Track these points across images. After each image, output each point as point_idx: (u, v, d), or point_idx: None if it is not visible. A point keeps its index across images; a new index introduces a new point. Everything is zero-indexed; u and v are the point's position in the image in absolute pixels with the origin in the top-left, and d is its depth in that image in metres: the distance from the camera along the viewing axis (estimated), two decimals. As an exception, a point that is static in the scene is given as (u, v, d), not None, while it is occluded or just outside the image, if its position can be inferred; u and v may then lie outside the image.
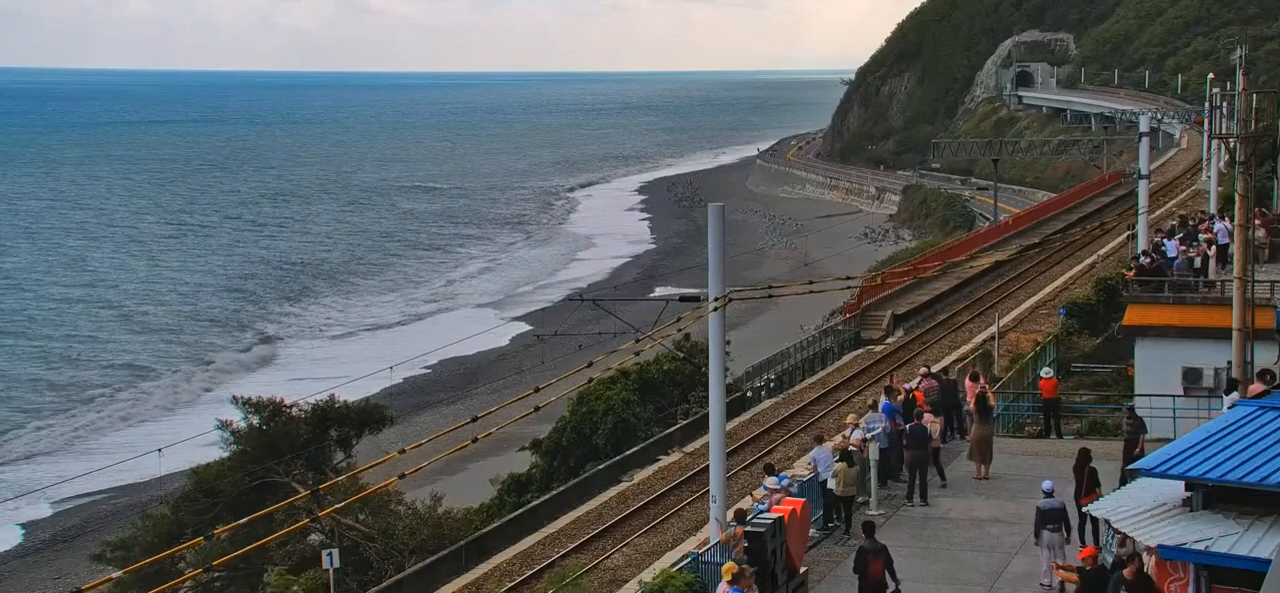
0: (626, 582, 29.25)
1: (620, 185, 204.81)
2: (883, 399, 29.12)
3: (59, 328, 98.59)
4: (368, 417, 41.03)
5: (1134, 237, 51.67)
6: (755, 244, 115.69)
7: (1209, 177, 65.70)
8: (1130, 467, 18.03)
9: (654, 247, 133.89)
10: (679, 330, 33.46)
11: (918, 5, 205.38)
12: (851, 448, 26.24)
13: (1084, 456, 24.02)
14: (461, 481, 50.00)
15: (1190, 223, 43.88)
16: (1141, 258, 39.51)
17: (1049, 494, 21.96)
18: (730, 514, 22.11)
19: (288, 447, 38.21)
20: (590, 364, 31.43)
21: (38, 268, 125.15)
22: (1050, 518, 21.72)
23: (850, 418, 29.35)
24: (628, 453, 41.12)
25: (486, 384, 73.30)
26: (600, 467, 40.43)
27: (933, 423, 27.71)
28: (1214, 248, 37.92)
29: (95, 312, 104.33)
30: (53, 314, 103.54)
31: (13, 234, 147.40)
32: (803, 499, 23.06)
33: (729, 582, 18.27)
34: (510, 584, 31.23)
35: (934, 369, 34.15)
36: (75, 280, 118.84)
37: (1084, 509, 22.31)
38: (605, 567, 31.92)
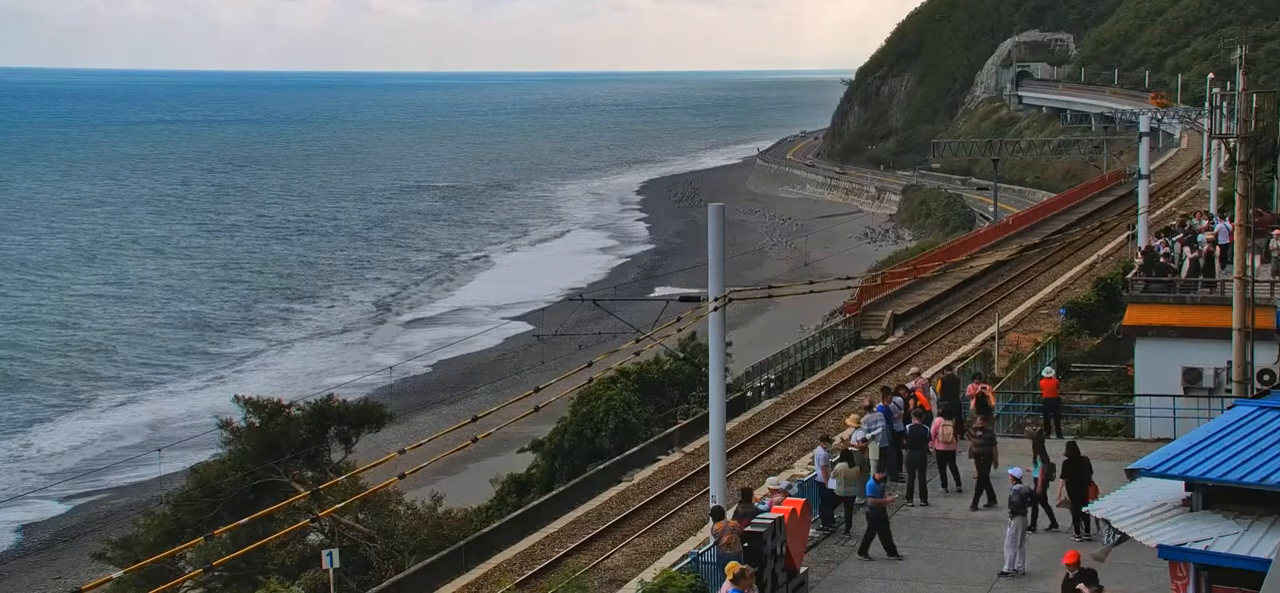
0: (627, 582, 29.25)
1: (629, 183, 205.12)
2: (878, 403, 29.05)
3: (64, 326, 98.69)
4: (366, 415, 41.04)
5: (1134, 236, 51.74)
6: (755, 244, 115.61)
7: (1209, 177, 65.74)
8: (1130, 467, 17.97)
9: (654, 247, 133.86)
10: (678, 330, 33.46)
11: (918, 5, 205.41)
12: (851, 448, 26.24)
13: (1073, 451, 24.24)
14: (461, 480, 50.00)
15: (1188, 223, 43.93)
16: (1145, 254, 39.63)
17: (1017, 480, 22.89)
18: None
19: (287, 447, 38.21)
20: (590, 364, 31.42)
21: (47, 267, 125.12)
22: (1023, 504, 22.74)
23: (851, 419, 29.31)
24: (628, 453, 41.12)
25: (486, 384, 73.28)
26: (600, 467, 40.44)
27: (944, 426, 27.54)
28: (1218, 248, 37.97)
29: (103, 312, 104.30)
30: (59, 313, 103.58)
31: (30, 233, 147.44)
32: (803, 499, 23.08)
33: (731, 582, 18.29)
34: (510, 584, 31.20)
35: (931, 372, 34.03)
36: (91, 278, 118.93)
37: (1084, 509, 22.39)
38: (605, 567, 31.92)
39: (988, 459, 26.40)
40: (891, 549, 23.66)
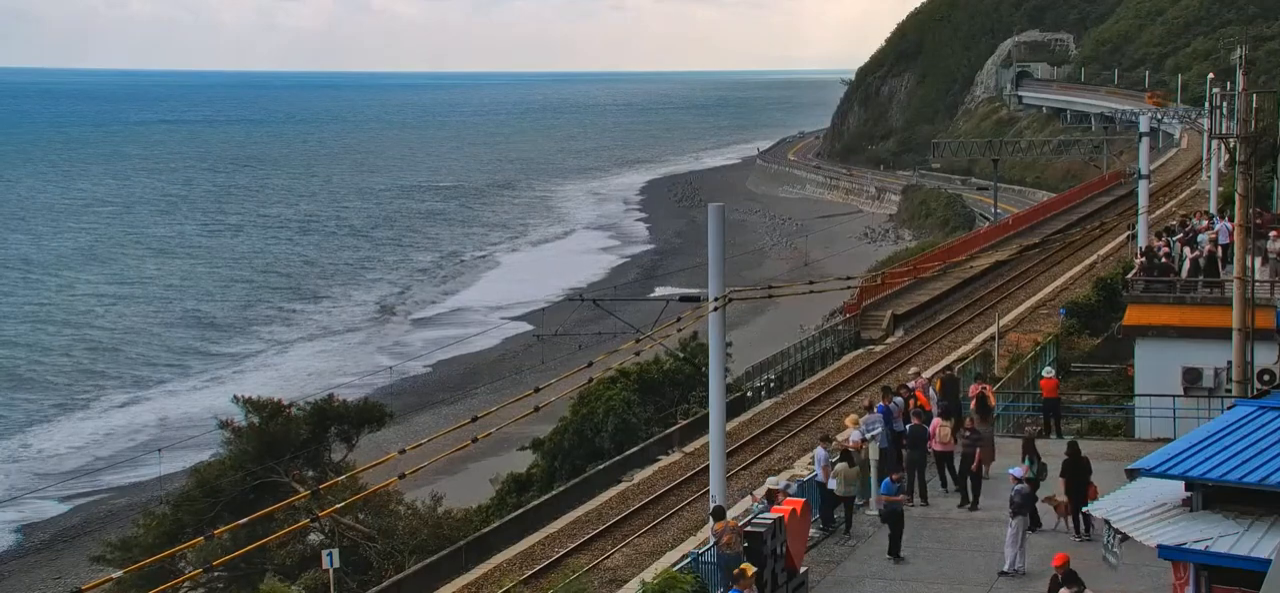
0: (627, 582, 29.26)
1: (630, 183, 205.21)
2: (878, 403, 29.03)
3: (61, 326, 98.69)
4: (367, 415, 41.07)
5: (1134, 236, 51.75)
6: (755, 244, 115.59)
7: (1209, 177, 65.74)
8: (1130, 467, 17.97)
9: (654, 247, 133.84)
10: (678, 330, 33.45)
11: (918, 5, 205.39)
12: (850, 448, 26.24)
13: (1073, 450, 24.24)
14: (461, 480, 50.01)
15: (1189, 223, 43.94)
16: (1144, 256, 39.65)
17: (1019, 480, 22.95)
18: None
19: (288, 447, 38.23)
20: (590, 364, 31.44)
21: (50, 266, 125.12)
22: (1025, 504, 22.73)
23: (850, 420, 29.30)
24: (628, 453, 41.15)
25: (486, 384, 73.30)
26: (600, 467, 40.46)
27: (942, 426, 27.53)
28: (1220, 248, 37.93)
29: (105, 312, 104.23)
30: (61, 312, 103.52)
31: (32, 233, 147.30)
32: (802, 499, 23.09)
33: (734, 582, 18.32)
34: (510, 584, 31.21)
35: (931, 372, 34.06)
36: (94, 277, 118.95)
37: (1084, 509, 22.39)
38: (605, 567, 31.92)
39: (969, 460, 26.46)
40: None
